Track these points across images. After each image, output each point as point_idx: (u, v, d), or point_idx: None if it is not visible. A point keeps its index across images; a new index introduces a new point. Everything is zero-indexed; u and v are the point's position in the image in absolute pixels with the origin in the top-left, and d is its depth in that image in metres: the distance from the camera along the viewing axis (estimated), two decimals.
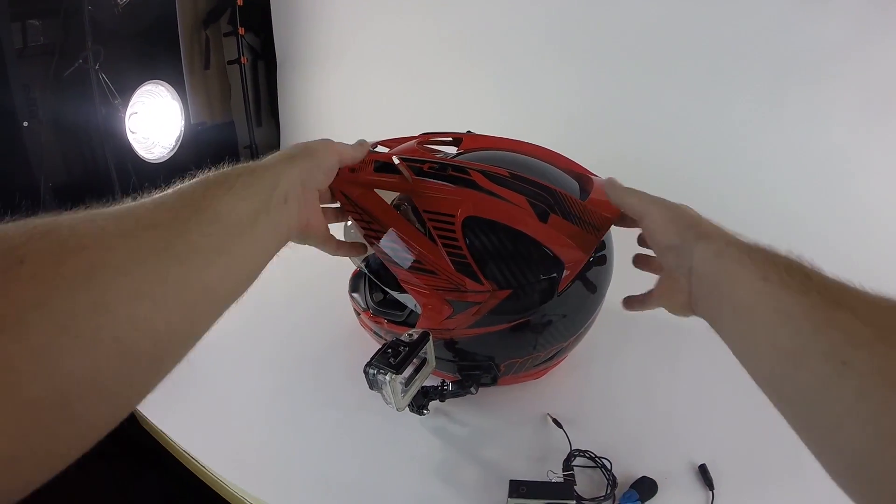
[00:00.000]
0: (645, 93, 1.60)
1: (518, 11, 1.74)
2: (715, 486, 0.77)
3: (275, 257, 0.57)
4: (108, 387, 0.36)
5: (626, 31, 1.58)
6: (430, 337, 0.77)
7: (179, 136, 1.70)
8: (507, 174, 0.76)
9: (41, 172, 1.46)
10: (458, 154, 0.88)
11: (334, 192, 0.77)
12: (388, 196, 0.80)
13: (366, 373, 0.73)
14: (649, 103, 1.59)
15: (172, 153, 1.69)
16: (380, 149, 0.90)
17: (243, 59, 2.04)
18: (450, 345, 0.83)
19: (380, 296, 0.97)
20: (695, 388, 0.95)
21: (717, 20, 1.46)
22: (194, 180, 0.51)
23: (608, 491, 0.74)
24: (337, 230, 0.84)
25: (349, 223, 0.82)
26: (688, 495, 0.77)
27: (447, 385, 0.84)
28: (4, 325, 0.30)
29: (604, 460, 0.79)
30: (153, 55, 1.80)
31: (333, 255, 0.77)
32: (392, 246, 0.77)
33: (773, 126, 1.46)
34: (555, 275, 0.75)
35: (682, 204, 0.64)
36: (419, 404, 0.83)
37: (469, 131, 0.94)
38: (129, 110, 1.56)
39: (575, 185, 0.82)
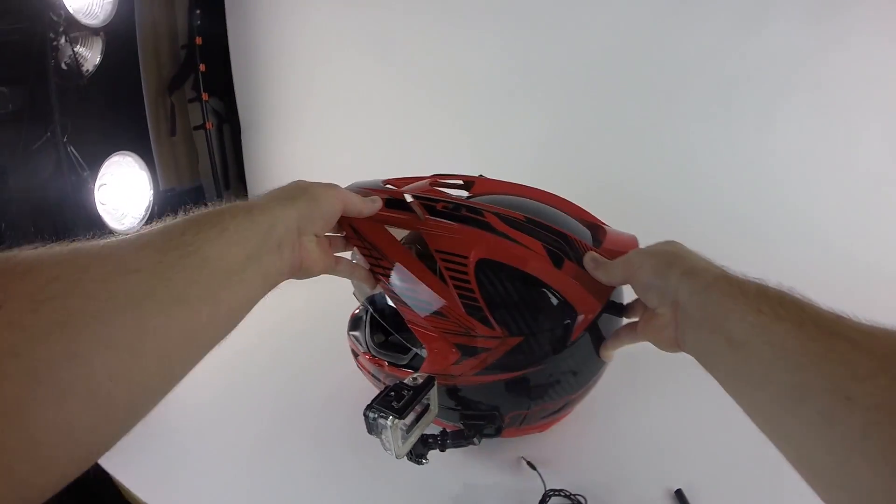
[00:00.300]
0: (609, 120, 1.72)
1: (475, 55, 1.82)
2: None
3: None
4: (81, 436, 0.35)
5: (584, 61, 1.70)
6: (436, 382, 0.74)
7: (149, 206, 1.70)
8: (522, 218, 0.74)
9: (12, 245, 1.42)
10: (469, 198, 0.86)
11: (342, 223, 0.75)
12: (398, 235, 0.78)
13: (365, 416, 0.70)
14: (615, 130, 1.71)
15: (143, 222, 1.67)
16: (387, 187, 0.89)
17: (208, 124, 2.06)
18: (453, 392, 0.80)
19: (381, 337, 0.93)
20: (665, 414, 0.96)
21: (667, 45, 1.60)
22: (186, 217, 0.50)
23: None
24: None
25: (355, 258, 0.80)
26: None
27: (448, 434, 0.80)
28: None
29: (579, 497, 0.79)
30: (120, 124, 1.80)
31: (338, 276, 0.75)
32: (400, 284, 0.75)
33: (727, 142, 1.60)
34: (568, 322, 0.72)
35: (669, 241, 0.64)
36: (418, 453, 0.79)
37: (481, 175, 0.93)
38: (98, 182, 1.55)
39: (587, 233, 0.81)
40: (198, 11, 2.02)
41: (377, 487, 0.86)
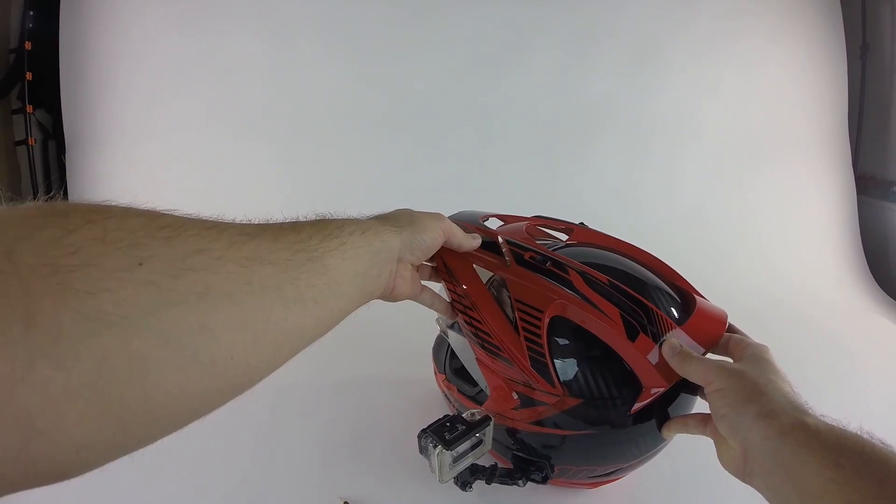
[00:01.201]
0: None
1: (312, 81, 1.88)
2: None
3: None
4: (191, 405, 0.38)
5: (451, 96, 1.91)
6: (492, 422, 0.76)
7: None
8: (605, 281, 0.74)
9: None
10: (565, 245, 0.87)
11: (436, 254, 0.79)
12: (485, 274, 0.81)
13: (419, 437, 0.74)
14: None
15: None
16: (493, 221, 0.91)
17: (31, 140, 1.86)
18: (512, 432, 0.82)
19: (458, 363, 0.97)
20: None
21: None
22: (312, 222, 0.54)
23: None
24: None
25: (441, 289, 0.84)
26: None
27: (497, 470, 0.83)
28: (111, 322, 0.31)
29: None
30: None
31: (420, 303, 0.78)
32: (477, 325, 0.78)
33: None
34: (630, 396, 0.72)
35: (757, 356, 0.63)
36: (465, 480, 0.82)
37: (582, 223, 0.93)
38: None
39: (678, 303, 0.79)
40: (31, 12, 1.82)
41: None
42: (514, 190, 1.87)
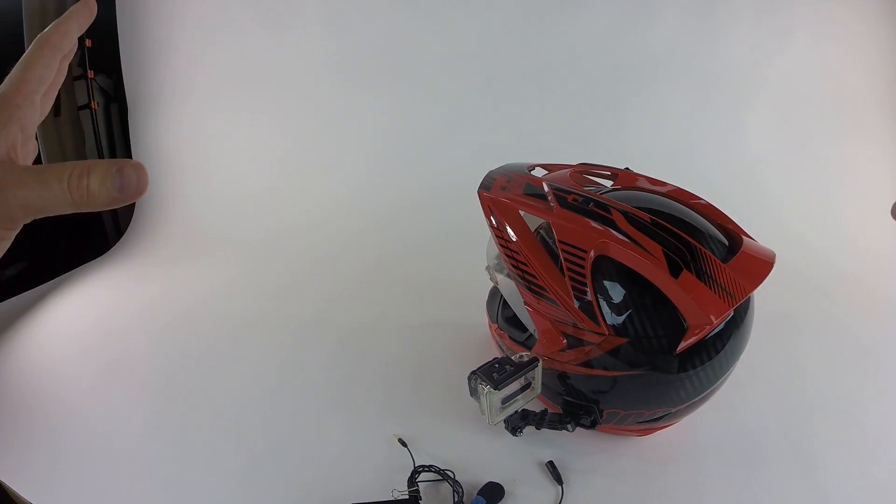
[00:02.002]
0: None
1: (365, 38, 1.92)
2: (564, 480, 0.82)
3: None
4: None
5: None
6: (540, 363, 0.79)
7: None
8: (648, 219, 0.75)
9: None
10: (610, 189, 0.88)
11: (482, 202, 0.83)
12: (536, 219, 0.84)
13: (468, 379, 0.77)
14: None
15: None
16: (538, 170, 0.94)
17: (94, 104, 1.93)
18: (562, 377, 0.84)
19: (510, 312, 0.99)
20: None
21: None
22: None
23: (455, 500, 0.78)
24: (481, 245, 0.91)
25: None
26: (537, 492, 0.82)
27: (547, 414, 0.85)
28: None
29: (447, 472, 0.81)
30: None
31: None
32: (523, 268, 0.80)
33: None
34: (675, 335, 0.72)
35: None
36: (515, 425, 0.85)
37: (627, 168, 0.94)
38: None
39: (723, 242, 0.79)
40: None
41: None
42: (570, 141, 1.86)
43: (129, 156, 2.03)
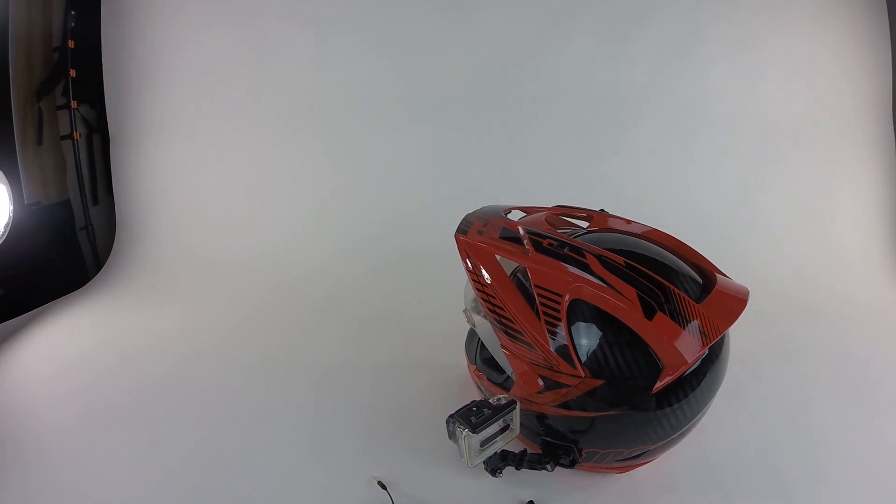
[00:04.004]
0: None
1: (350, 75, 1.93)
2: None
3: None
4: None
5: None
6: (518, 406, 0.79)
7: (8, 222, 1.53)
8: (622, 262, 0.76)
9: None
10: (585, 232, 0.89)
11: (460, 248, 0.83)
12: (512, 263, 0.84)
13: (447, 423, 0.77)
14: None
15: (2, 239, 1.53)
16: (515, 213, 0.95)
17: (76, 134, 1.94)
18: (540, 417, 0.84)
19: (488, 353, 1.00)
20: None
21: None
22: None
23: None
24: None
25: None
26: None
27: (526, 455, 0.85)
28: None
29: None
30: None
31: None
32: (500, 311, 0.81)
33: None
34: (651, 375, 0.73)
35: None
36: (495, 466, 0.85)
37: (602, 210, 0.96)
38: None
39: (697, 281, 0.80)
40: (73, 12, 1.89)
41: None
42: (550, 180, 1.88)
43: (109, 186, 2.06)
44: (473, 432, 0.75)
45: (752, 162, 1.87)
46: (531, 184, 1.86)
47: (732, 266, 0.86)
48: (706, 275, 0.83)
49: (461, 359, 1.14)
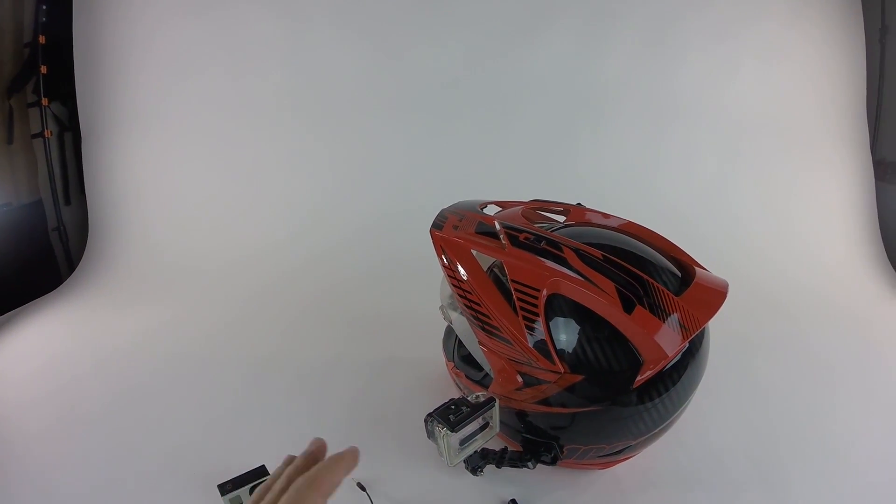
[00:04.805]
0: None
1: (325, 70, 1.91)
2: None
3: None
4: None
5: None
6: (497, 403, 0.77)
7: None
8: (600, 256, 0.75)
9: None
10: (562, 226, 0.88)
11: (435, 244, 0.82)
12: (488, 258, 0.83)
13: (425, 422, 0.76)
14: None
15: None
16: (491, 207, 0.93)
17: (47, 133, 1.89)
18: (520, 414, 0.83)
19: (465, 351, 0.99)
20: None
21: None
22: None
23: None
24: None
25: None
26: None
27: (507, 453, 0.84)
28: None
29: None
30: None
31: None
32: (476, 307, 0.79)
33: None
34: (631, 369, 0.72)
35: None
36: (475, 465, 0.84)
37: (579, 203, 0.94)
38: None
39: (676, 275, 0.79)
40: (44, 7, 1.84)
41: None
42: (528, 173, 1.89)
43: (82, 185, 1.99)
44: (452, 431, 0.73)
45: (726, 155, 1.89)
46: (507, 179, 1.86)
47: (705, 261, 0.85)
48: (685, 268, 0.82)
49: (439, 355, 1.13)
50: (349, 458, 0.52)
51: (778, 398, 1.09)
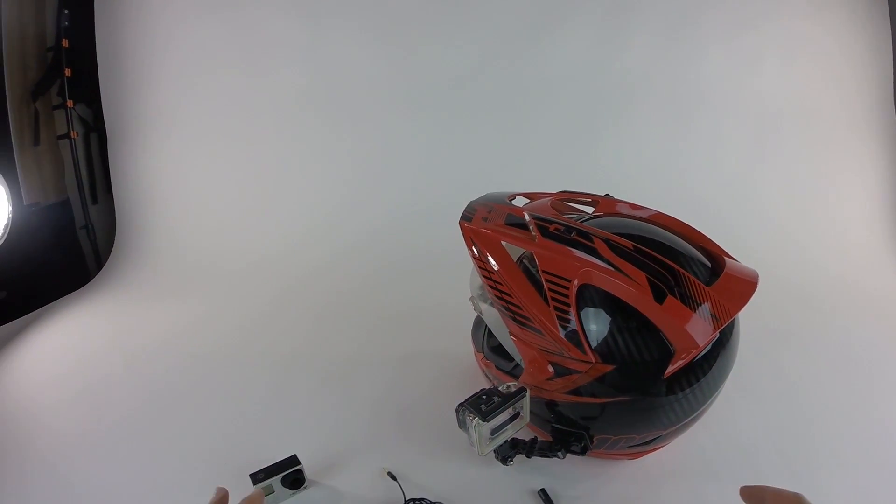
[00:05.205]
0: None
1: (345, 70, 1.92)
2: None
3: None
4: None
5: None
6: (527, 393, 0.78)
7: (8, 223, 1.54)
8: (630, 246, 0.75)
9: None
10: (591, 217, 0.88)
11: (465, 235, 0.82)
12: (518, 249, 0.83)
13: (456, 412, 0.77)
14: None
15: (2, 240, 1.54)
16: (519, 199, 0.94)
17: (73, 133, 1.93)
18: (551, 405, 0.83)
19: (495, 342, 0.99)
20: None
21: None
22: None
23: None
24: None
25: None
26: None
27: (537, 443, 0.84)
28: None
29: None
30: None
31: None
32: (507, 298, 0.80)
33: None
34: (662, 359, 0.72)
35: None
36: (505, 454, 0.84)
37: (608, 194, 0.95)
38: None
39: (706, 265, 0.79)
40: (66, 11, 1.89)
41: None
42: (550, 167, 1.89)
43: (108, 184, 2.03)
44: (484, 420, 0.74)
45: (752, 146, 1.86)
46: (529, 174, 1.85)
47: (732, 252, 0.84)
48: (714, 258, 0.82)
49: (468, 349, 1.13)
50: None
51: (808, 391, 1.08)
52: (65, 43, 1.89)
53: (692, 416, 0.80)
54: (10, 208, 1.55)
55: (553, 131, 1.93)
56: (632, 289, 0.72)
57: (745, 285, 0.76)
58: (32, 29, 1.82)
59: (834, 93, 1.81)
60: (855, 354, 1.21)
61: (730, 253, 0.84)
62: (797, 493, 0.55)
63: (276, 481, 0.86)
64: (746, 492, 0.59)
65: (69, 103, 1.92)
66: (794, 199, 1.79)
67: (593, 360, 0.74)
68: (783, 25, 1.82)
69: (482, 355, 1.04)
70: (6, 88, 1.72)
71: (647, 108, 1.91)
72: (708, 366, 0.76)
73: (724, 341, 0.77)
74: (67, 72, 1.90)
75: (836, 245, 1.66)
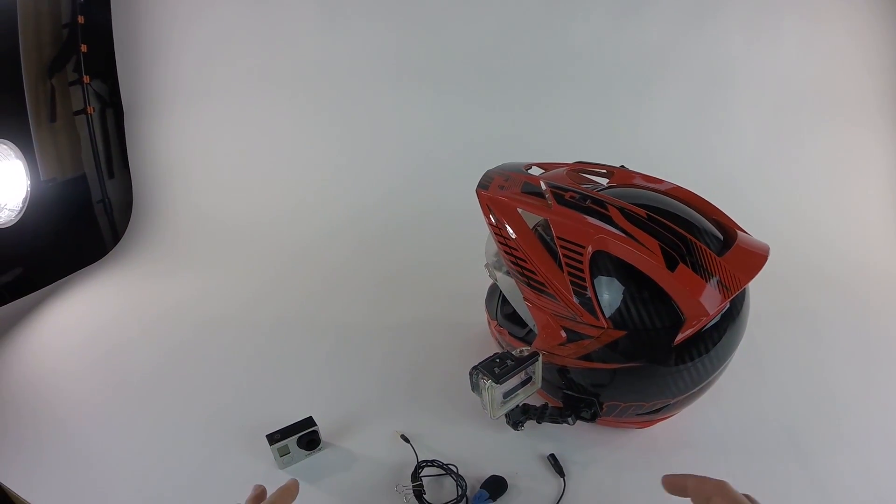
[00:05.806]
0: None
1: (360, 40, 1.92)
2: (565, 473, 0.85)
3: None
4: None
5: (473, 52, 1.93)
6: (540, 357, 0.80)
7: (26, 197, 1.58)
8: (644, 215, 0.76)
9: None
10: (606, 187, 0.90)
11: (481, 202, 0.84)
12: (533, 217, 0.85)
13: (470, 375, 0.78)
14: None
15: (21, 215, 1.57)
16: (535, 169, 0.95)
17: (89, 109, 1.96)
18: (562, 371, 0.85)
19: (509, 309, 1.01)
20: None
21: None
22: None
23: (459, 493, 0.81)
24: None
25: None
26: (541, 485, 0.84)
27: (548, 409, 0.86)
28: None
29: (451, 466, 0.85)
30: None
31: None
32: (522, 264, 0.81)
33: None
34: (673, 326, 0.74)
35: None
36: (516, 419, 0.86)
37: (622, 166, 0.96)
38: None
39: (718, 237, 0.81)
40: None
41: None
42: (568, 138, 1.88)
43: (125, 160, 2.05)
44: (497, 383, 0.75)
45: (772, 126, 1.83)
46: (549, 143, 1.85)
47: (749, 229, 0.85)
48: (727, 231, 0.83)
49: (479, 316, 1.15)
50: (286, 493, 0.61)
51: (819, 370, 1.09)
52: (80, 19, 1.90)
53: (701, 386, 0.81)
54: (28, 184, 1.59)
55: (570, 104, 1.92)
56: (645, 256, 0.73)
57: (756, 257, 0.77)
58: (47, 7, 1.83)
59: (855, 72, 1.77)
60: (870, 336, 1.20)
61: (746, 230, 0.85)
62: (720, 480, 0.54)
63: (291, 442, 0.88)
64: (668, 481, 0.58)
65: (85, 79, 1.93)
66: (813, 179, 1.77)
67: (605, 326, 0.76)
68: (806, 6, 1.79)
69: (496, 322, 1.06)
70: (22, 65, 1.74)
71: (665, 85, 1.89)
72: (718, 335, 0.77)
73: (734, 312, 0.78)
74: (83, 48, 1.91)
75: (856, 226, 1.64)
